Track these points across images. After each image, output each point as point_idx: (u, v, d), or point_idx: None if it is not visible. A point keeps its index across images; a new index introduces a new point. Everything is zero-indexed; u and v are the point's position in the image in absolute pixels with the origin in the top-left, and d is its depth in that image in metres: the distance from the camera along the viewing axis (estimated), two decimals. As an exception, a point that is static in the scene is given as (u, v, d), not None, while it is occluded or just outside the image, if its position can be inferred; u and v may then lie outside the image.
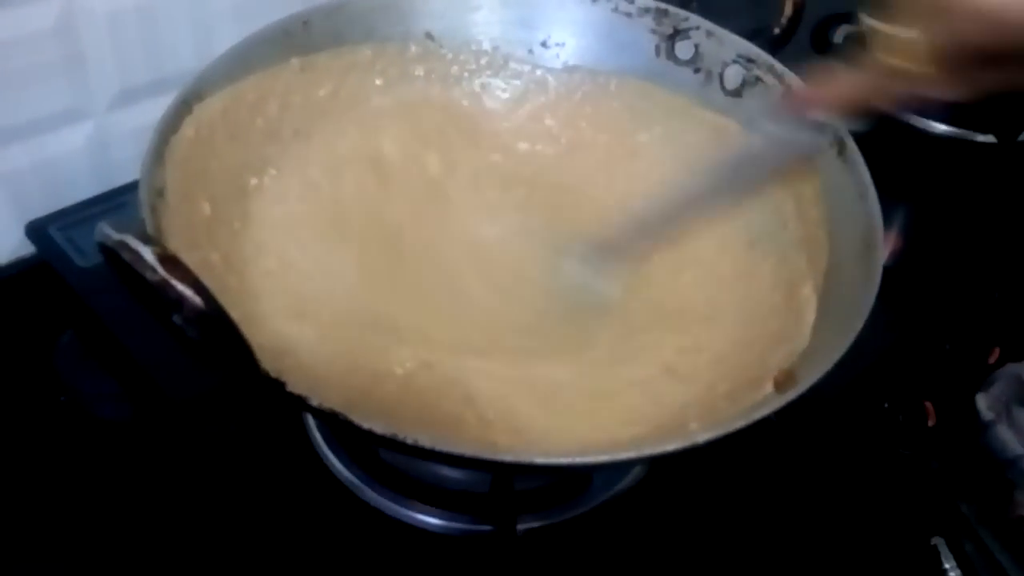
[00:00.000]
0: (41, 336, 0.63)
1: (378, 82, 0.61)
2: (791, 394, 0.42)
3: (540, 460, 0.40)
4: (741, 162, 0.55)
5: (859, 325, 0.44)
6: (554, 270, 0.57)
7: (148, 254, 0.36)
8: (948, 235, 0.74)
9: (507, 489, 0.53)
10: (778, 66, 0.58)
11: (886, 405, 0.61)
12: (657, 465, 0.56)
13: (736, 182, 0.55)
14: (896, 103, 0.61)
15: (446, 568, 0.53)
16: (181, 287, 0.36)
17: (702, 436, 0.40)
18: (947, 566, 0.54)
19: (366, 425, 0.38)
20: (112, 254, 0.38)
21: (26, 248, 0.66)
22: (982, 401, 0.60)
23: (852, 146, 0.53)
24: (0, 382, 0.60)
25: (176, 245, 0.44)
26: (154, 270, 0.36)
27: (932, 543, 0.55)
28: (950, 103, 0.62)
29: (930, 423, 0.60)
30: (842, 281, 0.50)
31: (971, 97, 0.44)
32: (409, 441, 0.38)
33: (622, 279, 0.56)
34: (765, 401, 0.44)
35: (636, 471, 0.56)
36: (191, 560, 0.52)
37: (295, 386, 0.39)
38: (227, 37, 0.56)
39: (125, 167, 0.67)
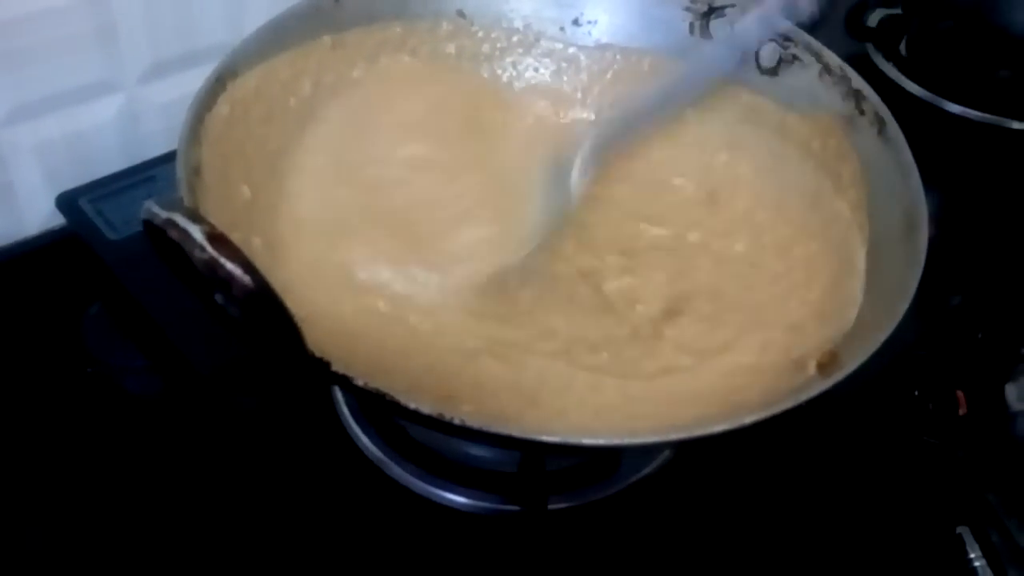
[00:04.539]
0: (69, 308, 0.62)
1: (408, 60, 0.61)
2: (837, 376, 0.42)
3: (588, 441, 0.40)
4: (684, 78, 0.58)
5: (904, 306, 0.44)
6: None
7: (197, 232, 0.36)
8: (981, 223, 0.73)
9: (538, 469, 0.53)
10: (815, 44, 0.58)
11: (916, 393, 0.60)
12: (686, 447, 0.56)
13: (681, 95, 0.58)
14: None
15: (473, 547, 0.53)
16: (231, 266, 0.36)
17: (749, 417, 0.40)
18: (972, 555, 0.54)
19: (412, 405, 0.38)
20: (157, 232, 0.37)
21: (56, 219, 0.66)
22: (1012, 391, 0.60)
23: (893, 125, 0.53)
24: (28, 353, 0.60)
25: (215, 223, 0.43)
26: (203, 248, 0.36)
27: (957, 532, 0.54)
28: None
29: (961, 412, 0.59)
30: (884, 262, 0.50)
31: None
32: (456, 421, 0.38)
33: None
34: (810, 383, 0.44)
35: (665, 452, 0.56)
36: (217, 533, 0.52)
37: (339, 366, 0.39)
38: (258, 11, 0.56)
39: (155, 140, 0.67)
